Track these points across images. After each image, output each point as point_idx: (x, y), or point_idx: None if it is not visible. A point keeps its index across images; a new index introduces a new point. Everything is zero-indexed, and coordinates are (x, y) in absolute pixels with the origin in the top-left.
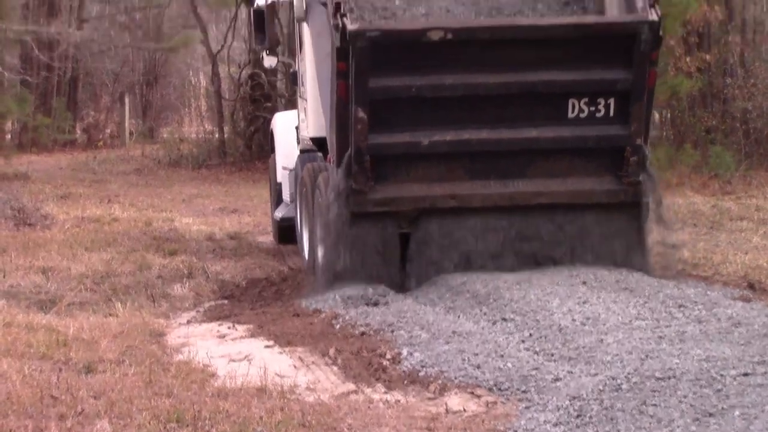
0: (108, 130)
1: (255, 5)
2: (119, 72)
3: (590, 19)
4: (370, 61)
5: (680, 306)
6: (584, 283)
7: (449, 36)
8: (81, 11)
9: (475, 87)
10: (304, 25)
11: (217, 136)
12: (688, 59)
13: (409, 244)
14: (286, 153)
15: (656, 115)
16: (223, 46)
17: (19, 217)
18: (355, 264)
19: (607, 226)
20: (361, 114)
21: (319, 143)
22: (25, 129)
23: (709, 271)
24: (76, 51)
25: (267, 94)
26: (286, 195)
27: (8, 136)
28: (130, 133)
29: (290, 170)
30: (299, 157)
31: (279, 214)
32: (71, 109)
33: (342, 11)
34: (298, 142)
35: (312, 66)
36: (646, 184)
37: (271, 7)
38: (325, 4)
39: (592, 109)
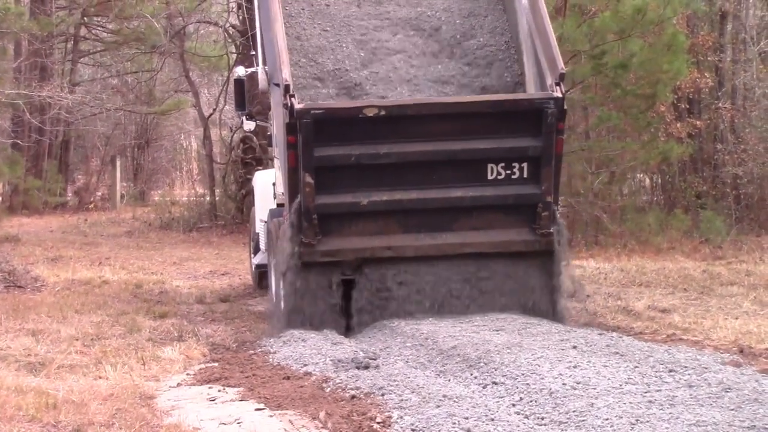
0: (99, 193)
1: (236, 75)
2: (111, 135)
3: (504, 96)
4: (315, 134)
5: (671, 371)
6: (575, 347)
7: (382, 112)
8: (73, 75)
9: (405, 155)
10: None
11: (208, 199)
12: (678, 125)
13: (352, 289)
14: (264, 207)
15: (647, 181)
16: (215, 110)
17: (9, 280)
18: (306, 306)
19: (525, 272)
20: (309, 179)
21: None
22: (16, 191)
23: (700, 335)
24: (67, 114)
25: (258, 158)
26: (262, 244)
27: None
28: (122, 196)
29: (265, 222)
30: (270, 210)
31: (256, 261)
32: (62, 172)
33: (291, 92)
34: (274, 197)
35: (275, 130)
36: (557, 235)
37: (251, 77)
38: (277, 85)
39: (508, 172)
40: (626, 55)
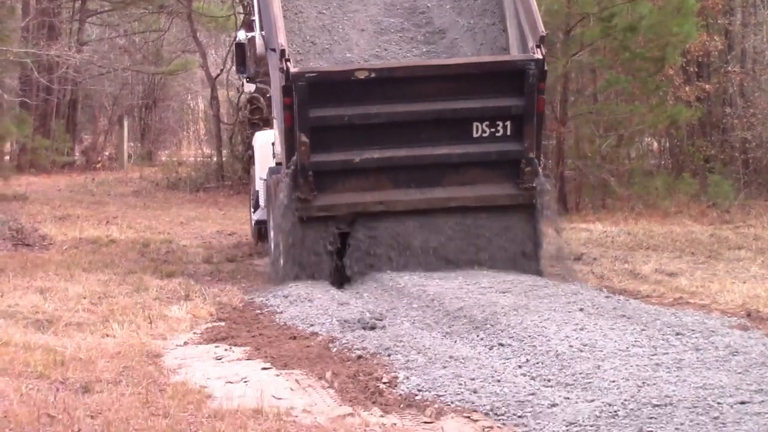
0: (106, 153)
1: (237, 39)
2: (118, 95)
3: (488, 58)
4: (309, 96)
5: (678, 334)
6: (581, 309)
7: (373, 75)
8: (81, 34)
9: (395, 115)
10: None
11: (215, 159)
12: (687, 88)
13: (346, 241)
14: (263, 166)
15: (655, 144)
16: (222, 71)
17: (17, 238)
18: (303, 258)
19: (509, 224)
20: (304, 138)
21: None
22: (24, 150)
23: (707, 299)
24: (75, 74)
25: (266, 118)
26: (262, 201)
27: (7, 158)
28: (129, 156)
29: (265, 180)
30: (269, 168)
31: (256, 217)
32: (70, 131)
33: (286, 56)
34: (274, 156)
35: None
36: (540, 189)
37: (252, 41)
38: (274, 50)
39: (493, 130)
40: (635, 18)
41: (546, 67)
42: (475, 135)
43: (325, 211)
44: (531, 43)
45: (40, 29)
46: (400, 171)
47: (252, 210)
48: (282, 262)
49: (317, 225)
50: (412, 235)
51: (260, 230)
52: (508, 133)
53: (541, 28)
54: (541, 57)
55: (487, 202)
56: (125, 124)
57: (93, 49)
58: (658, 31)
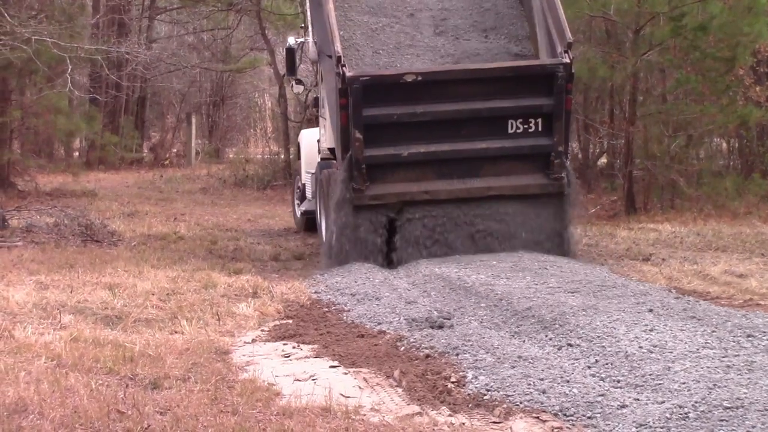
0: (174, 150)
1: (287, 44)
2: (186, 92)
3: (521, 62)
4: (363, 97)
5: (749, 336)
6: (651, 310)
7: (419, 78)
8: (150, 31)
9: (439, 113)
10: None
11: (282, 156)
12: (757, 89)
13: (395, 227)
14: (309, 161)
15: (724, 145)
16: None
17: (86, 234)
18: (356, 242)
19: (540, 211)
20: (358, 135)
21: (334, 152)
22: (93, 147)
23: None
24: (144, 70)
25: None
26: (309, 193)
27: (76, 154)
28: (196, 153)
29: (312, 174)
30: (319, 163)
31: (303, 208)
32: (138, 128)
33: (342, 62)
34: (319, 152)
35: (325, 94)
36: (567, 179)
37: (301, 46)
38: (330, 56)
39: (526, 126)
40: (706, 18)
41: (573, 70)
42: (509, 131)
43: (376, 200)
44: (559, 49)
45: (110, 26)
46: (443, 163)
47: (297, 202)
48: (336, 246)
49: (369, 212)
50: (455, 220)
51: (306, 220)
52: (540, 129)
53: (569, 35)
54: (568, 61)
55: (520, 191)
56: (193, 121)
57: (162, 46)
58: (729, 30)
